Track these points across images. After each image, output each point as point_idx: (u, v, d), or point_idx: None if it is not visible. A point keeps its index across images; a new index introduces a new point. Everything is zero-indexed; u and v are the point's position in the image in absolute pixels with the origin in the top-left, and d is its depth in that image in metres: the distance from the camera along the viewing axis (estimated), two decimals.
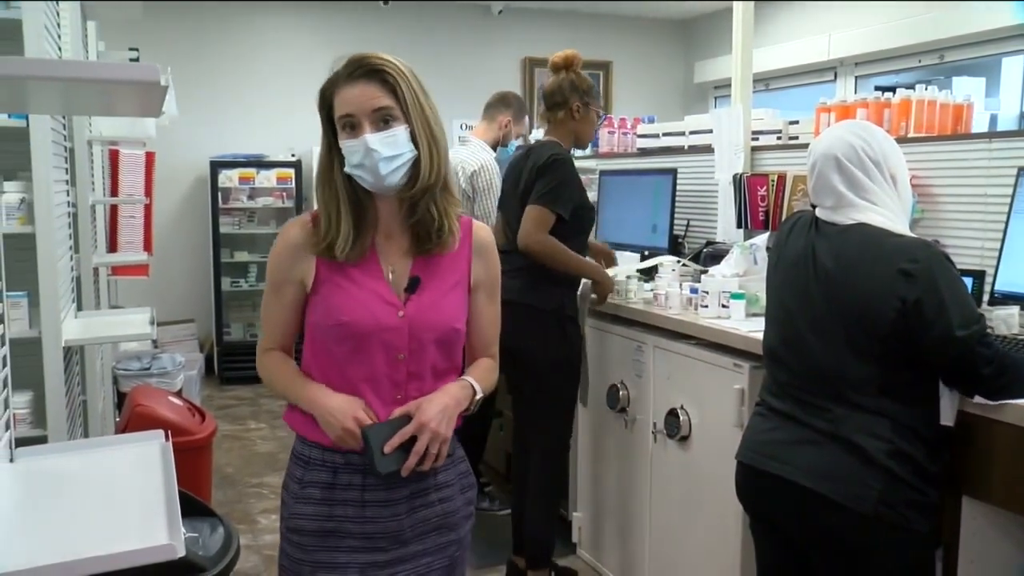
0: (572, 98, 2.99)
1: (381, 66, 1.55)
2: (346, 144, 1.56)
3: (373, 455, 1.53)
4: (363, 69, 1.56)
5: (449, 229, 1.62)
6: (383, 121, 1.55)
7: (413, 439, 1.55)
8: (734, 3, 3.55)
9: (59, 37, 2.89)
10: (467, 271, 1.69)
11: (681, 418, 2.68)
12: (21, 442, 1.62)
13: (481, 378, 1.68)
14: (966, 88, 5.07)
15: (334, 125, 1.59)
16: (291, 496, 1.64)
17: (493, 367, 1.76)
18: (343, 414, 1.55)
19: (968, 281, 2.43)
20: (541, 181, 2.86)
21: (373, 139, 1.53)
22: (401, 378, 1.60)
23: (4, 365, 1.63)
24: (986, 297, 2.42)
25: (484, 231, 1.73)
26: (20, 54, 2.25)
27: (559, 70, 3.03)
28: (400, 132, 1.55)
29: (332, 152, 1.60)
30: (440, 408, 1.57)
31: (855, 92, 5.97)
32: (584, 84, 3.02)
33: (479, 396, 1.65)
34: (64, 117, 2.93)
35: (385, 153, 1.53)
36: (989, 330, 1.81)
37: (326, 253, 1.59)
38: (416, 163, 1.57)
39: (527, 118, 4.16)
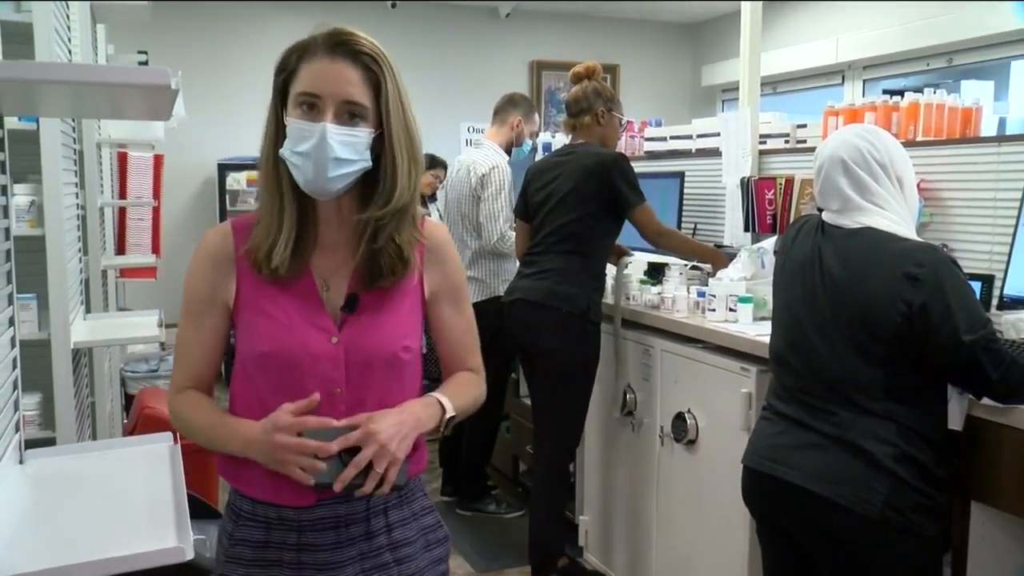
0: (596, 103, 3.09)
1: (370, 51, 1.31)
2: (296, 124, 1.30)
3: None
4: (348, 47, 1.30)
5: (412, 264, 1.38)
6: (350, 115, 1.31)
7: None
8: (742, 3, 3.55)
9: (69, 40, 2.89)
10: (418, 279, 1.42)
11: (688, 422, 2.67)
12: (30, 444, 1.62)
13: (455, 394, 1.43)
14: (975, 91, 5.06)
15: (286, 96, 1.33)
16: (222, 552, 1.40)
17: (472, 381, 1.50)
18: (266, 432, 1.26)
19: (977, 285, 2.42)
20: (621, 183, 2.93)
21: (334, 131, 1.28)
22: (340, 414, 1.33)
23: (15, 367, 1.63)
24: (995, 301, 2.41)
25: (438, 230, 1.48)
26: (31, 56, 2.26)
27: (581, 79, 3.14)
28: (363, 136, 1.31)
29: (277, 130, 1.34)
30: (395, 423, 1.30)
31: (863, 95, 5.96)
32: (607, 92, 3.14)
33: (450, 415, 1.39)
34: (74, 120, 2.94)
35: (339, 153, 1.28)
36: (998, 334, 1.81)
37: (264, 263, 1.33)
38: (388, 178, 1.33)
39: (537, 116, 4.18)
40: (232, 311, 1.37)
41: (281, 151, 1.31)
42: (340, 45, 1.30)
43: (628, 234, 3.09)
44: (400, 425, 1.30)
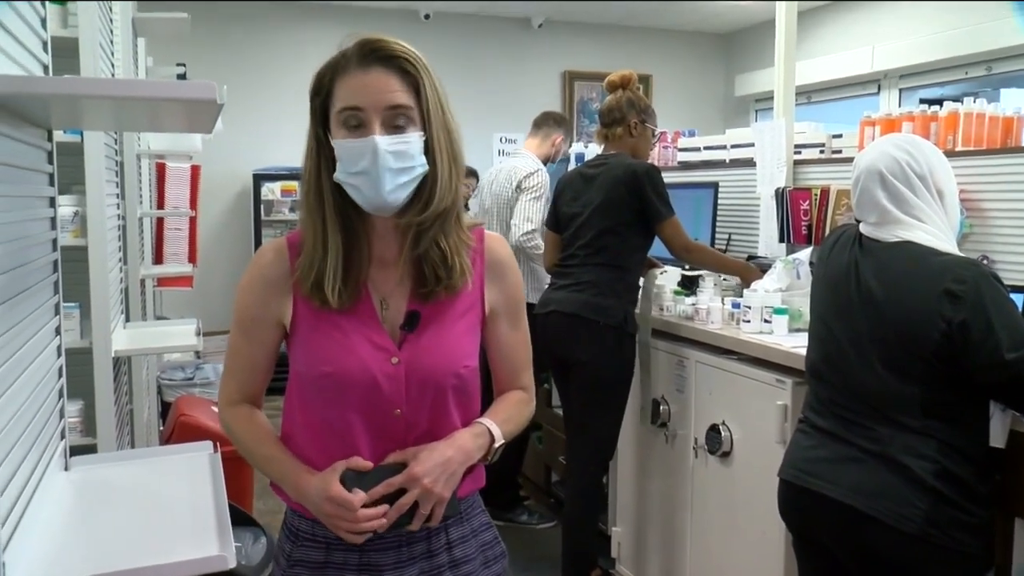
0: (630, 115, 3.07)
1: (403, 54, 1.27)
2: (345, 144, 1.26)
3: None
4: (380, 54, 1.27)
5: (461, 269, 1.33)
6: (396, 123, 1.27)
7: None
8: (777, 3, 3.52)
9: (112, 55, 2.95)
10: (479, 295, 1.39)
11: (723, 434, 2.66)
12: (72, 451, 1.65)
13: (505, 419, 1.40)
14: (1015, 100, 4.98)
15: (327, 119, 1.30)
16: (280, 573, 1.38)
17: (524, 401, 1.47)
18: (319, 497, 1.26)
19: (1020, 298, 2.38)
20: (651, 194, 2.91)
21: (384, 142, 1.24)
22: (399, 434, 1.32)
23: (60, 376, 1.66)
24: None
25: (499, 243, 1.45)
26: (75, 70, 2.31)
27: (615, 88, 3.14)
28: (415, 140, 1.27)
29: (320, 154, 1.30)
30: (440, 461, 1.28)
31: (899, 105, 5.90)
32: (642, 102, 3.12)
33: (499, 444, 1.36)
34: (116, 132, 2.99)
35: (394, 164, 1.25)
36: None
37: (314, 295, 1.30)
38: (428, 181, 1.29)
39: (572, 136, 4.28)
40: (288, 330, 1.35)
41: (336, 176, 1.28)
42: (371, 53, 1.27)
43: (660, 247, 3.08)
44: (447, 464, 1.29)
